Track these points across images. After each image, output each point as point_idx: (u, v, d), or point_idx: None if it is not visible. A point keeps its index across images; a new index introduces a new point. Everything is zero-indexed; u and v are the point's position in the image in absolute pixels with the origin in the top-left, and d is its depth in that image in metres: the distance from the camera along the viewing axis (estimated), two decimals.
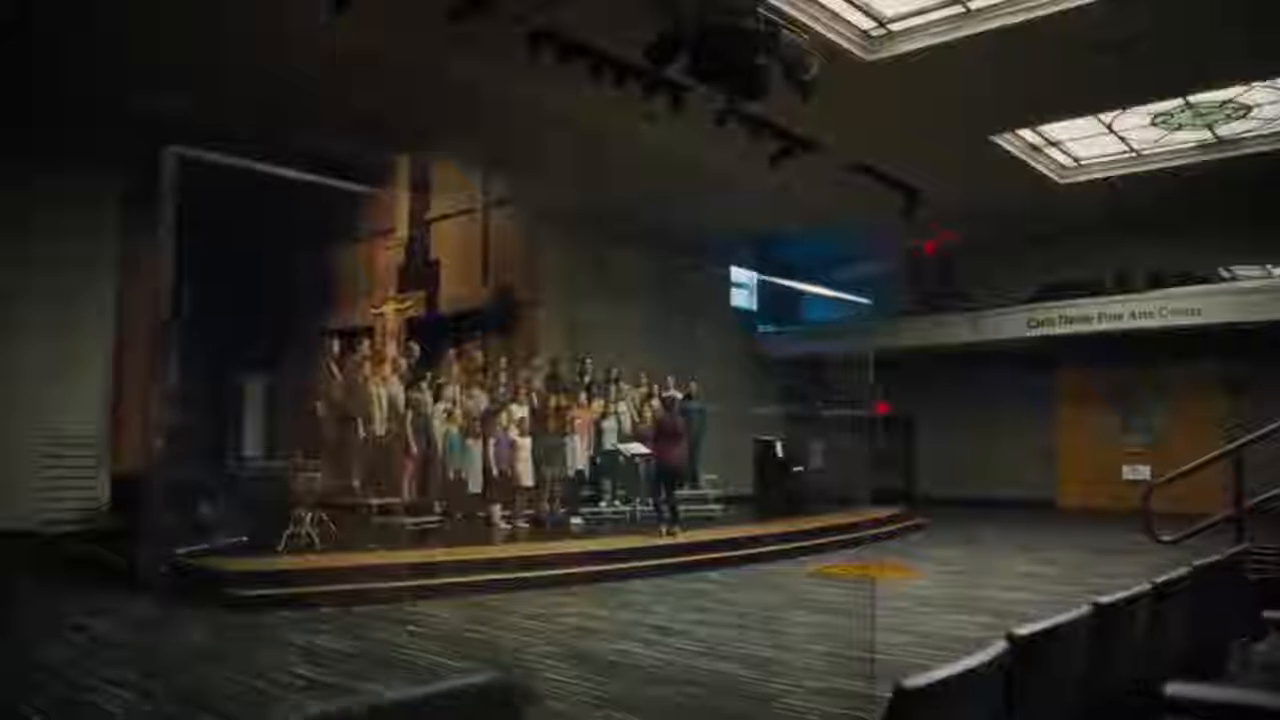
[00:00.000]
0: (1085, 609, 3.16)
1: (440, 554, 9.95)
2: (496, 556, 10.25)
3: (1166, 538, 5.83)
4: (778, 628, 7.75)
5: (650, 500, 13.40)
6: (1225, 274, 16.31)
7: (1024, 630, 2.72)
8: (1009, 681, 2.53)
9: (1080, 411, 19.30)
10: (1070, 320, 17.17)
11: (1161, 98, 13.20)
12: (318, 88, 11.88)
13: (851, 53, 11.50)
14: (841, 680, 5.99)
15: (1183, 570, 4.07)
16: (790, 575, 10.68)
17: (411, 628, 7.39)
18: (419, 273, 15.92)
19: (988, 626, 7.68)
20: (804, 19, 10.67)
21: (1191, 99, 13.22)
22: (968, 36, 11.14)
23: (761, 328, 21.44)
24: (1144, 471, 17.68)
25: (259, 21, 10.61)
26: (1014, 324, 17.70)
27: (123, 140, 12.44)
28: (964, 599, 9.10)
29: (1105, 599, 3.30)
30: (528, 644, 6.96)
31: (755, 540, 12.18)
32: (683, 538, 11.63)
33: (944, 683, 2.17)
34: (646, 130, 12.44)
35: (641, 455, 13.53)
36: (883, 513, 15.05)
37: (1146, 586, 3.67)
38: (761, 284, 21.22)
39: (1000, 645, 2.53)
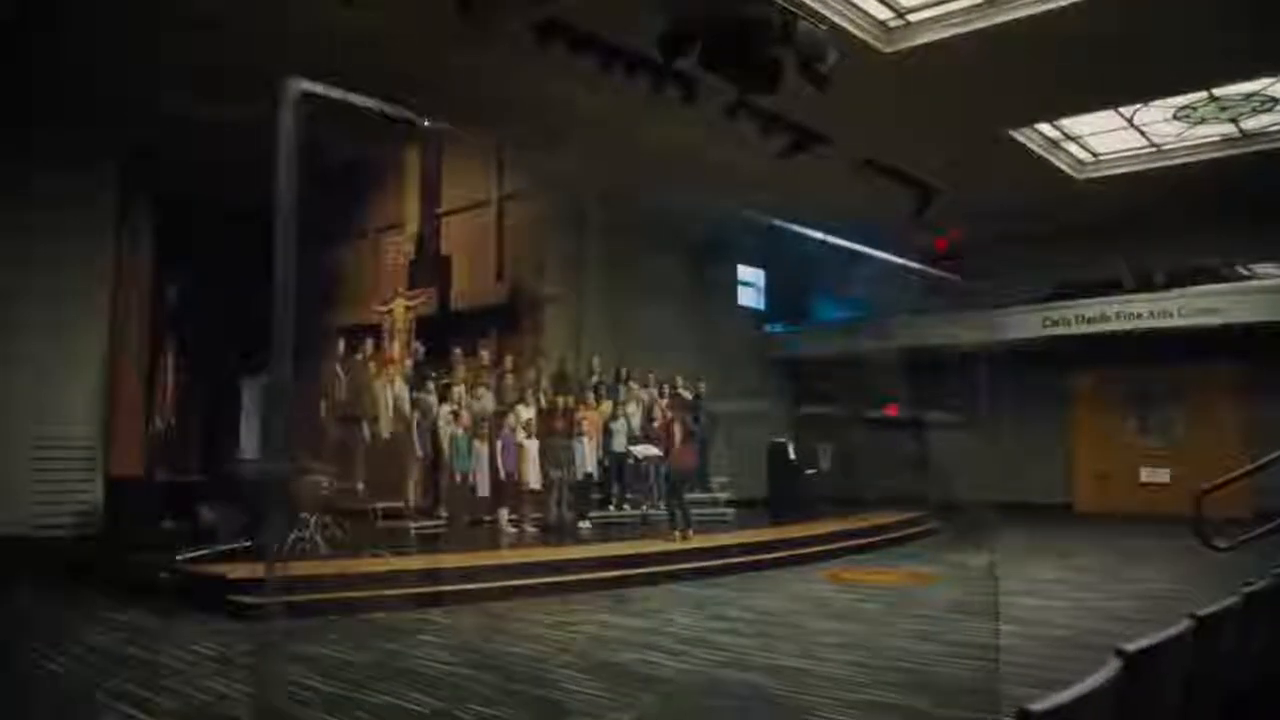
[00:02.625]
0: (1187, 622, 2.98)
1: (448, 559, 9.67)
2: (505, 562, 10.00)
3: (1221, 544, 5.52)
4: (802, 636, 7.47)
5: (661, 503, 13.12)
6: (1244, 271, 16.01)
7: (1133, 646, 2.60)
8: (1121, 698, 2.43)
9: (1097, 413, 18.96)
10: (1087, 320, 16.87)
11: (1186, 90, 12.96)
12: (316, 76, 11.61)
13: (868, 44, 11.26)
14: (876, 692, 5.74)
15: (1267, 580, 3.88)
16: (808, 581, 10.40)
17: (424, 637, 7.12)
18: (429, 269, 15.51)
19: (1017, 635, 7.41)
20: (820, 9, 10.42)
21: (1215, 91, 12.96)
22: (987, 27, 10.92)
23: (769, 327, 21.11)
24: (1163, 474, 17.42)
25: (259, 21, 10.41)
26: (1029, 323, 17.39)
27: (120, 139, 12.25)
28: (985, 604, 8.80)
29: (1203, 611, 3.12)
30: (546, 654, 6.67)
31: (770, 545, 11.89)
32: (696, 542, 11.35)
33: (1067, 706, 2.11)
34: (655, 124, 12.23)
35: (652, 457, 13.24)
36: (898, 516, 14.76)
37: (1238, 598, 3.47)
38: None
39: (1115, 664, 2.45)
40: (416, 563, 9.40)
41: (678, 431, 12.45)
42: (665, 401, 14.26)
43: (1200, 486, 5.93)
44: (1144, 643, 2.58)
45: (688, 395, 14.35)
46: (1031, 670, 6.16)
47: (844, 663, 6.49)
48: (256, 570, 8.40)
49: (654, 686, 5.82)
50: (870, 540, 13.27)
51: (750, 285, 21.15)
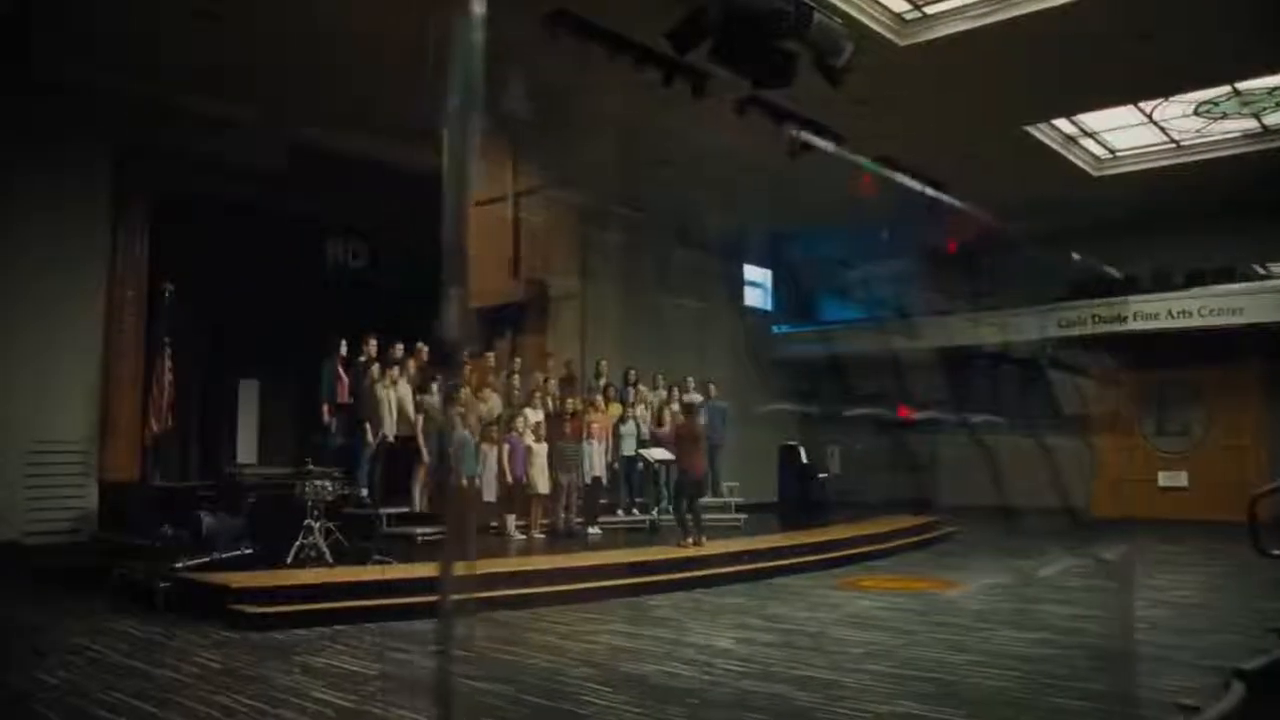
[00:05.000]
0: None
1: (456, 566, 9.36)
2: (513, 569, 9.71)
3: (1276, 552, 5.24)
4: (824, 645, 7.21)
5: (670, 508, 12.84)
6: (1261, 270, 15.77)
7: (1251, 665, 2.29)
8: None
9: (1113, 415, 18.63)
10: (1103, 320, 16.61)
11: (1208, 85, 12.71)
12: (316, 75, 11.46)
13: (883, 37, 11.02)
14: (908, 704, 5.47)
15: None
16: (824, 588, 10.13)
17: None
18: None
19: (1049, 644, 7.17)
20: (836, 1, 10.18)
21: (1239, 86, 12.72)
22: (1005, 21, 10.72)
23: (779, 328, 20.83)
24: (1181, 478, 17.16)
25: (259, 21, 10.19)
26: (1044, 324, 17.11)
27: (116, 137, 11.98)
28: (1015, 613, 8.57)
29: None
30: (564, 665, 6.40)
31: (784, 551, 11.62)
32: (708, 549, 11.07)
33: None
34: (664, 120, 11.99)
35: (664, 461, 12.97)
36: (913, 521, 14.48)
37: None
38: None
39: (1238, 687, 2.13)
40: (424, 570, 9.11)
41: (688, 435, 12.15)
42: (675, 405, 14.00)
43: (1258, 490, 5.63)
44: (1261, 661, 2.33)
45: (698, 398, 14.07)
46: (1072, 682, 5.91)
47: (870, 673, 6.23)
48: (259, 579, 8.21)
49: (677, 699, 5.55)
50: (886, 545, 13.00)
51: (758, 285, 20.91)
